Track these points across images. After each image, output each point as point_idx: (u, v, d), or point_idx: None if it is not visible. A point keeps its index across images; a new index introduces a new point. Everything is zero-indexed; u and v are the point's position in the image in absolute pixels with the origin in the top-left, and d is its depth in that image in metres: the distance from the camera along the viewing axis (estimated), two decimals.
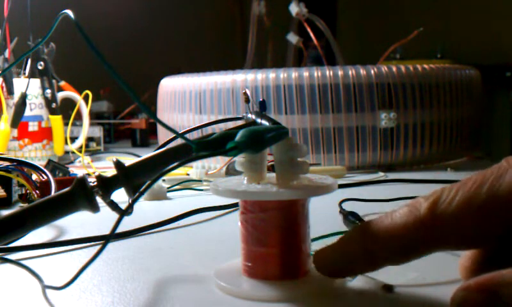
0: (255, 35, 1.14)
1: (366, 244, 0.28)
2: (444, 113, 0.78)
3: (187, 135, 0.31)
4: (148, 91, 1.23)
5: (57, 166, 0.64)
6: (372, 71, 0.73)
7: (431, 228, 0.26)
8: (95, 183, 0.31)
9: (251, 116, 0.37)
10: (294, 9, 1.06)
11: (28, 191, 0.55)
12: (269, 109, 0.73)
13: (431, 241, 0.26)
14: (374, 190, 0.62)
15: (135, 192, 0.30)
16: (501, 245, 0.28)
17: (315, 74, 0.73)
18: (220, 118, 0.76)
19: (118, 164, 0.31)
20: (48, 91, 0.87)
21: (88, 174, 0.68)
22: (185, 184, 0.65)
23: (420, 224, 0.26)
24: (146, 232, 0.45)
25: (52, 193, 0.51)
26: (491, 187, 0.25)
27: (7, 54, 0.86)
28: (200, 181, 0.66)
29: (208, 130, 0.69)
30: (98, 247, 0.29)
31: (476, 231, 0.26)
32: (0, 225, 0.29)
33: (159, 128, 0.99)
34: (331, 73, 0.73)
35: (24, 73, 0.88)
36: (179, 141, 0.32)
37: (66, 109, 0.92)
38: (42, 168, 0.54)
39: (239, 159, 0.32)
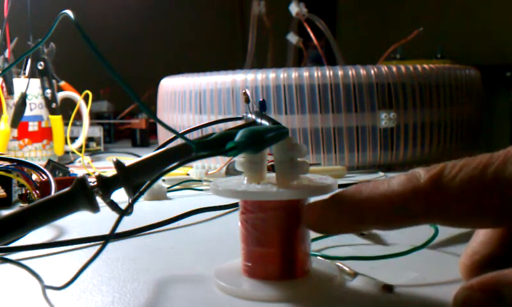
0: (255, 35, 1.14)
1: (359, 203, 0.28)
2: (444, 113, 0.78)
3: (187, 135, 0.31)
4: (148, 91, 1.23)
5: (57, 166, 0.64)
6: (372, 71, 0.73)
7: (431, 198, 0.26)
8: (95, 183, 0.31)
9: (251, 116, 0.37)
10: (294, 9, 1.06)
11: (28, 191, 0.55)
12: (269, 109, 0.73)
13: (427, 211, 0.26)
14: None
15: (135, 192, 0.30)
16: (502, 245, 0.28)
17: (315, 74, 0.73)
18: (220, 118, 0.76)
19: (118, 164, 0.31)
20: (48, 91, 0.87)
21: (88, 174, 0.68)
22: (185, 184, 0.65)
23: (418, 193, 0.26)
24: (146, 232, 0.45)
25: (52, 193, 0.51)
26: (497, 169, 0.25)
27: (7, 54, 0.85)
28: (200, 181, 0.66)
29: (208, 130, 0.69)
30: (98, 247, 0.29)
31: (476, 210, 0.26)
32: (0, 225, 0.29)
33: (159, 128, 0.99)
34: (331, 73, 0.73)
35: (24, 73, 0.88)
36: (179, 141, 0.32)
37: (66, 109, 0.92)
38: (42, 168, 0.54)
39: (239, 159, 0.32)
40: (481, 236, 0.29)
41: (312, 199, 0.32)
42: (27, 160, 0.56)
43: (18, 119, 0.83)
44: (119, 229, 0.30)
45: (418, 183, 0.26)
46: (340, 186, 0.32)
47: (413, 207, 0.26)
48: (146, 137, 1.16)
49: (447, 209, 0.26)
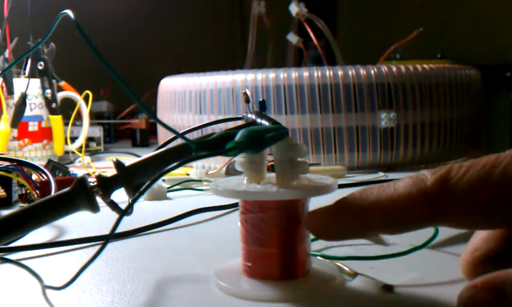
0: (255, 35, 1.14)
1: (365, 208, 0.27)
2: (444, 113, 0.78)
3: (187, 135, 0.31)
4: (148, 91, 1.23)
5: (57, 166, 0.64)
6: (372, 71, 0.73)
7: (438, 200, 0.26)
8: (95, 183, 0.31)
9: (251, 116, 0.37)
10: (294, 9, 1.06)
11: (28, 191, 0.55)
12: (269, 109, 0.73)
13: (434, 214, 0.26)
14: None
15: (135, 192, 0.30)
16: (504, 241, 0.28)
17: (315, 74, 0.73)
18: (220, 118, 0.76)
19: (118, 164, 0.31)
20: (48, 91, 0.87)
21: (88, 174, 0.68)
22: (185, 184, 0.65)
23: (425, 196, 0.26)
24: (146, 232, 0.45)
25: (52, 193, 0.51)
26: (505, 169, 0.25)
27: (7, 54, 0.86)
28: (200, 181, 0.66)
29: (208, 130, 0.69)
30: (98, 247, 0.29)
31: (485, 210, 0.25)
32: (0, 225, 0.29)
33: (159, 128, 0.99)
34: (331, 73, 0.73)
35: (24, 73, 0.88)
36: (179, 141, 0.32)
37: (66, 109, 0.92)
38: (42, 168, 0.54)
39: (239, 159, 0.32)
40: (483, 232, 0.29)
41: (312, 200, 0.32)
42: (27, 160, 0.56)
43: (18, 119, 0.84)
44: (119, 229, 0.30)
45: (425, 186, 0.26)
46: (340, 186, 0.32)
47: (419, 210, 0.26)
48: (146, 137, 1.16)
49: (455, 211, 0.26)
